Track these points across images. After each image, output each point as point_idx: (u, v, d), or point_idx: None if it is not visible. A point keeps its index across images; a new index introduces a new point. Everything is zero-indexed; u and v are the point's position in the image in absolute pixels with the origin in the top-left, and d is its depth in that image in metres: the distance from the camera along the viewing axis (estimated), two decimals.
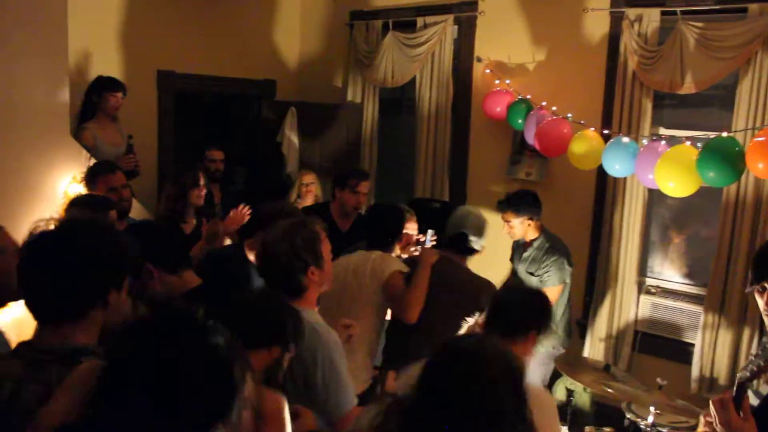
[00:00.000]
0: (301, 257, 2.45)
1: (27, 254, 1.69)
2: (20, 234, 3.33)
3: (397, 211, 3.76)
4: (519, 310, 2.42)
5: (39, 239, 1.69)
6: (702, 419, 2.12)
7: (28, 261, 1.68)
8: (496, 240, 4.25)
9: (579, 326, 5.03)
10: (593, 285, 5.02)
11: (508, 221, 4.17)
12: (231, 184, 5.83)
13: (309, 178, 5.35)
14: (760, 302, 2.13)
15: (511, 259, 4.44)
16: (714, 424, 1.97)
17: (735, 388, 1.97)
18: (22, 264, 1.69)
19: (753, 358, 2.30)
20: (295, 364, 2.27)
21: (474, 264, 4.49)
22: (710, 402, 2.01)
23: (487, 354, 1.61)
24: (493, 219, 4.33)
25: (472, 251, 3.67)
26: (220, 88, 5.98)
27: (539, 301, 2.51)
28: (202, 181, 4.55)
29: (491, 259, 4.93)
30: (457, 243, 3.62)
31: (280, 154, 5.96)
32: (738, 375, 2.07)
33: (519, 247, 4.37)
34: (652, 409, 3.31)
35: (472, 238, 3.62)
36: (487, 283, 3.49)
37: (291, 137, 5.97)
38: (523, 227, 4.15)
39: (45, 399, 1.52)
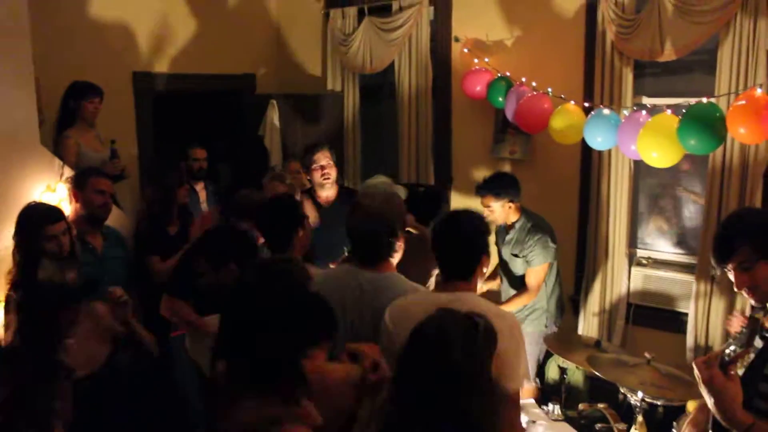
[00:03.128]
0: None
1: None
2: None
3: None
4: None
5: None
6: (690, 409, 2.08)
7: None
8: None
9: (572, 303, 5.00)
10: (584, 260, 4.97)
11: (488, 206, 4.11)
12: (215, 182, 5.78)
13: (295, 166, 5.31)
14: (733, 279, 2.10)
15: (496, 243, 4.39)
16: (699, 385, 1.94)
17: (719, 362, 1.94)
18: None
19: (732, 340, 2.27)
20: None
21: None
22: (693, 363, 1.98)
23: (448, 336, 1.75)
24: (476, 204, 4.29)
25: None
26: (198, 86, 5.91)
27: None
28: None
29: None
30: None
31: (263, 147, 5.91)
32: (719, 359, 2.04)
33: (501, 231, 4.31)
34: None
35: None
36: None
37: (273, 130, 5.91)
38: (504, 210, 4.10)
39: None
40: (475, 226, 2.57)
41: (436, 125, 5.63)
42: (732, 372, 1.91)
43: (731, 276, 2.07)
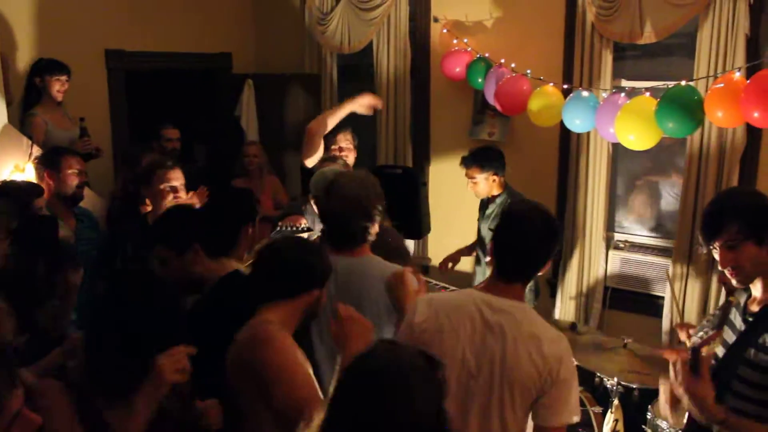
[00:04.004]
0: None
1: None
2: None
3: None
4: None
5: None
6: (662, 387, 2.11)
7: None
8: (461, 198, 4.19)
9: (549, 285, 5.00)
10: (561, 243, 4.96)
11: (472, 177, 4.10)
12: (191, 163, 5.70)
13: (253, 150, 5.33)
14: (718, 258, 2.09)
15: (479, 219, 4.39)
16: (672, 385, 1.97)
17: (690, 353, 1.95)
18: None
19: (705, 323, 2.27)
20: None
21: (439, 224, 4.43)
22: (664, 352, 2.00)
23: (408, 378, 1.36)
24: (457, 179, 4.27)
25: None
26: (174, 65, 5.80)
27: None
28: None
29: (456, 218, 4.89)
30: None
31: (240, 128, 5.83)
32: (691, 340, 2.04)
33: (483, 205, 4.30)
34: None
35: None
36: None
37: (249, 111, 5.83)
38: (487, 183, 4.09)
39: None
40: (551, 223, 2.20)
41: (414, 106, 5.58)
42: (702, 356, 1.92)
43: (716, 255, 2.06)
